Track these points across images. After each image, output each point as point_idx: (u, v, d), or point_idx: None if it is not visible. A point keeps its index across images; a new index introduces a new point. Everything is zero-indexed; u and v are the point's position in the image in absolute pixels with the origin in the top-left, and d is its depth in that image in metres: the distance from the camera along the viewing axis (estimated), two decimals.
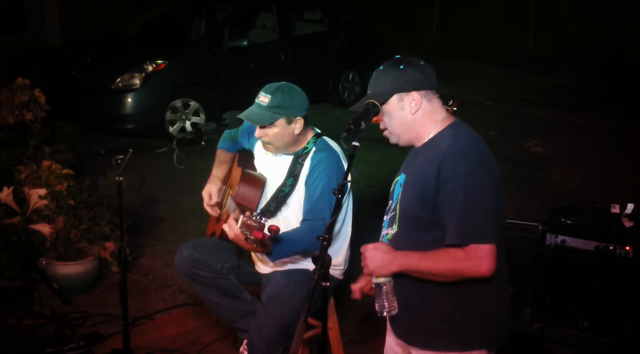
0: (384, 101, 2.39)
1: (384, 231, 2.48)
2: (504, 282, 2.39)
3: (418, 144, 2.43)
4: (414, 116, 2.38)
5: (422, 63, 2.40)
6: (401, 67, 2.37)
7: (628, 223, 3.76)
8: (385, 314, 2.34)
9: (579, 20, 13.36)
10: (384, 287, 2.31)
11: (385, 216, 2.50)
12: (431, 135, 2.39)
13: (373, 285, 2.35)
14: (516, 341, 2.59)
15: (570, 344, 3.79)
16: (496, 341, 2.39)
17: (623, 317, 3.65)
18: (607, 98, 10.25)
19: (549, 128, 8.96)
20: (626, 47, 12.16)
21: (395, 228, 2.40)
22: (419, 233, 2.31)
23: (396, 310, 2.34)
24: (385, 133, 2.46)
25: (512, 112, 9.60)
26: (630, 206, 3.84)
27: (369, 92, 2.43)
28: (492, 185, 2.25)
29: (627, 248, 3.65)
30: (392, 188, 2.52)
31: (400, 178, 2.46)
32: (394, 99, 2.38)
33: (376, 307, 2.35)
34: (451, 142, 2.30)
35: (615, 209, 3.87)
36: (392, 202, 2.48)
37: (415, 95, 2.36)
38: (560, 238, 3.83)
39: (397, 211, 2.39)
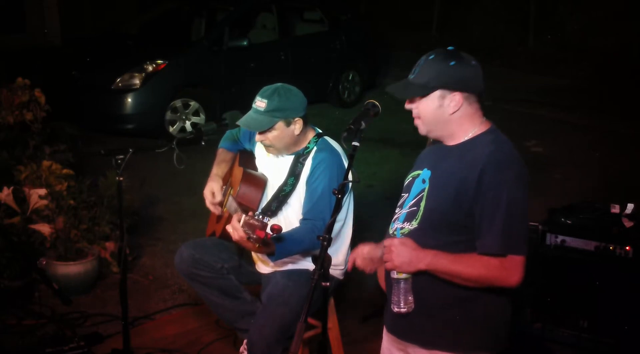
0: (425, 94, 2.29)
1: (397, 225, 2.40)
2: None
3: (449, 142, 2.36)
4: (451, 116, 2.30)
5: (473, 62, 2.30)
6: (452, 63, 2.27)
7: (628, 223, 3.76)
8: (399, 310, 2.31)
9: (579, 20, 13.35)
10: (403, 284, 2.28)
11: (398, 209, 2.44)
12: (467, 137, 2.33)
13: (392, 280, 2.32)
14: (516, 341, 2.58)
15: (570, 344, 3.79)
16: (497, 345, 2.38)
17: (623, 317, 3.65)
18: (607, 98, 10.24)
19: (549, 128, 8.96)
20: (626, 47, 12.15)
21: (415, 224, 2.33)
22: (443, 233, 2.27)
23: (412, 308, 2.30)
24: (417, 122, 2.35)
25: (512, 112, 9.60)
26: (630, 206, 3.84)
27: (411, 76, 2.33)
28: (527, 196, 2.25)
29: (627, 248, 3.64)
30: (408, 181, 2.45)
31: (424, 174, 2.39)
32: (435, 94, 2.28)
33: (392, 302, 2.32)
34: (494, 149, 2.25)
35: (615, 209, 3.87)
36: (407, 196, 2.41)
37: (457, 96, 2.27)
38: (560, 238, 3.83)
39: (421, 208, 2.33)
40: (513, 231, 2.20)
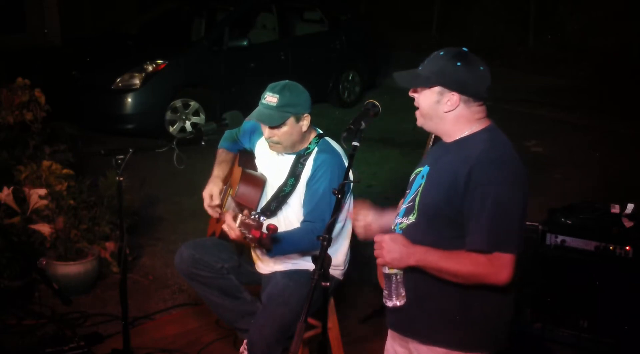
0: (426, 86, 2.34)
1: (397, 220, 2.43)
2: (508, 286, 2.35)
3: (447, 139, 2.39)
4: (445, 114, 2.33)
5: (481, 68, 2.33)
6: (458, 64, 2.30)
7: (628, 223, 3.76)
8: (392, 304, 2.34)
9: (579, 20, 13.35)
10: (394, 278, 2.30)
11: (400, 204, 2.48)
12: (463, 135, 2.35)
13: (384, 275, 2.34)
14: (516, 341, 2.59)
15: (570, 344, 3.79)
16: (496, 345, 2.38)
17: (623, 317, 3.65)
18: (607, 98, 10.24)
19: (549, 128, 8.96)
20: (626, 47, 12.14)
21: (412, 218, 2.36)
22: (438, 228, 2.29)
23: (404, 301, 2.32)
24: (417, 112, 2.40)
25: (512, 112, 9.59)
26: (630, 206, 3.84)
27: (420, 68, 2.37)
28: (522, 195, 2.24)
29: (627, 248, 3.65)
30: (412, 178, 2.48)
31: (424, 170, 2.42)
32: (435, 89, 2.32)
33: (384, 296, 2.34)
34: (488, 146, 2.27)
35: (615, 209, 3.87)
36: (409, 192, 2.45)
37: (455, 96, 2.31)
38: (560, 238, 3.83)
39: (417, 203, 2.36)
40: (500, 229, 2.20)
